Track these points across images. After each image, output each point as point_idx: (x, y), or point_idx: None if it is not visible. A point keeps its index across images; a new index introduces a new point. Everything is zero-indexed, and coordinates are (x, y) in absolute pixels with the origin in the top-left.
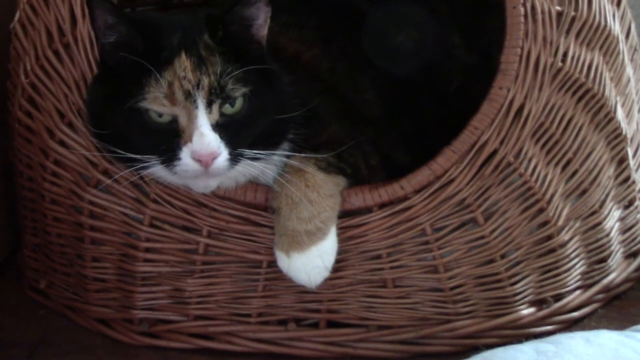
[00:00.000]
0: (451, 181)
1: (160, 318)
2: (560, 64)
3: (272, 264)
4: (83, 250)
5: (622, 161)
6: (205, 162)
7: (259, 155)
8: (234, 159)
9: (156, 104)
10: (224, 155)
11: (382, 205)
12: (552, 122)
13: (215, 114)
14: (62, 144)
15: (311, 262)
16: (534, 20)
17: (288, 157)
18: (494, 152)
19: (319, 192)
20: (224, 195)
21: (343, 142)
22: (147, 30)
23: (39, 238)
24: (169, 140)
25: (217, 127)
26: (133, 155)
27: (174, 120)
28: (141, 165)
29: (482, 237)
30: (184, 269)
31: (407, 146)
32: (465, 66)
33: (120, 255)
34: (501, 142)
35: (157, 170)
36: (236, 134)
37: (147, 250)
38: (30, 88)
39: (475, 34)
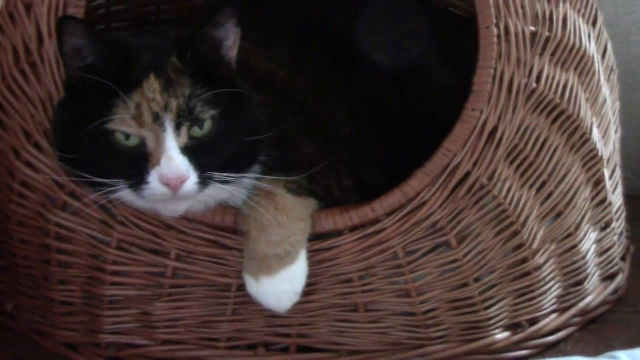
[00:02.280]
0: (423, 204)
1: (127, 342)
2: (534, 84)
3: (241, 287)
4: (49, 272)
5: (598, 182)
6: (173, 185)
7: (228, 178)
8: (203, 182)
9: (123, 125)
10: (192, 178)
11: (353, 228)
12: (526, 144)
13: (184, 137)
14: (29, 164)
15: (280, 287)
16: (507, 41)
17: (259, 179)
18: (467, 174)
19: (289, 215)
20: (192, 218)
21: (315, 163)
22: (116, 52)
23: (6, 260)
24: (136, 163)
25: (186, 150)
26: (100, 180)
27: (142, 143)
28: (108, 189)
29: (455, 261)
30: (152, 293)
31: (381, 167)
32: (443, 85)
33: (87, 278)
34: (474, 164)
35: (125, 194)
36: (205, 156)
37: (115, 273)
38: None
39: (453, 53)
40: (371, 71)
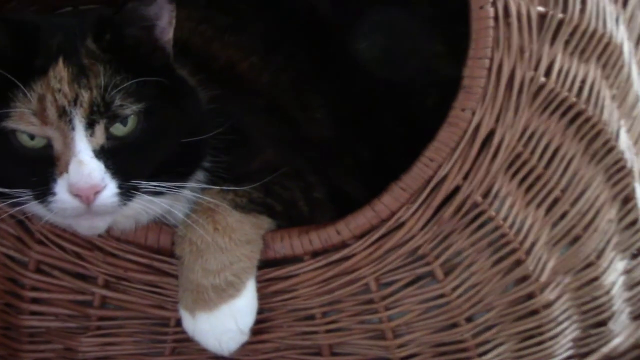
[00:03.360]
0: (400, 226)
1: None
2: (542, 79)
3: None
4: None
5: (627, 201)
6: (85, 197)
7: (160, 189)
8: (126, 193)
9: (23, 122)
10: (110, 188)
11: (315, 254)
12: (532, 153)
13: (100, 137)
14: None
15: (222, 324)
16: (508, 24)
17: (203, 191)
18: (456, 190)
19: (232, 237)
20: (120, 237)
21: (276, 171)
22: (18, 34)
23: None
24: (42, 170)
25: (102, 153)
26: (1, 190)
27: (49, 145)
28: (12, 200)
29: (442, 296)
30: (77, 325)
31: (366, 177)
32: (446, 80)
33: (3, 306)
34: (465, 178)
35: (32, 206)
36: (129, 161)
37: (34, 300)
38: None
39: (465, 42)
40: (359, 63)
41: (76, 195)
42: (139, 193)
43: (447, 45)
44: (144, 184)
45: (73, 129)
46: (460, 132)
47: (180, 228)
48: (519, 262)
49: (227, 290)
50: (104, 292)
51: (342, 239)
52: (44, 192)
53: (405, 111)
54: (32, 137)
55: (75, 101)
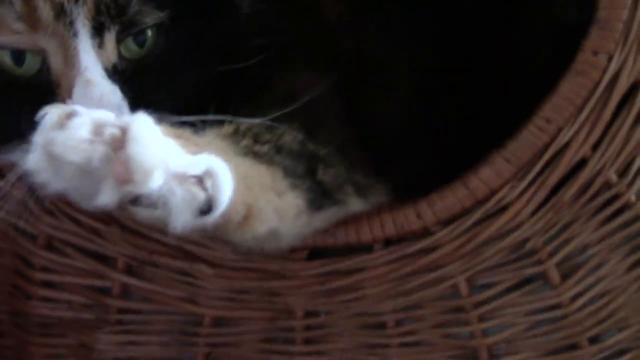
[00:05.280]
0: (503, 209)
1: None
2: None
3: (219, 321)
4: None
5: None
6: None
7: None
8: None
9: (4, 31)
10: None
11: (388, 243)
12: None
13: (111, 52)
14: None
15: None
16: None
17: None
18: (582, 164)
19: None
20: None
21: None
22: None
23: None
24: (38, 105)
25: (117, 75)
26: None
27: (44, 66)
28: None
29: (558, 306)
30: (94, 317)
31: (440, 153)
32: (564, 28)
33: (12, 288)
34: (594, 147)
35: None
36: (149, 89)
37: (45, 284)
38: None
39: None
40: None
41: None
42: None
43: None
44: (165, 118)
45: (75, 35)
46: (590, 83)
47: None
48: None
49: None
50: (125, 278)
51: (424, 225)
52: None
53: (507, 70)
54: (18, 58)
55: None
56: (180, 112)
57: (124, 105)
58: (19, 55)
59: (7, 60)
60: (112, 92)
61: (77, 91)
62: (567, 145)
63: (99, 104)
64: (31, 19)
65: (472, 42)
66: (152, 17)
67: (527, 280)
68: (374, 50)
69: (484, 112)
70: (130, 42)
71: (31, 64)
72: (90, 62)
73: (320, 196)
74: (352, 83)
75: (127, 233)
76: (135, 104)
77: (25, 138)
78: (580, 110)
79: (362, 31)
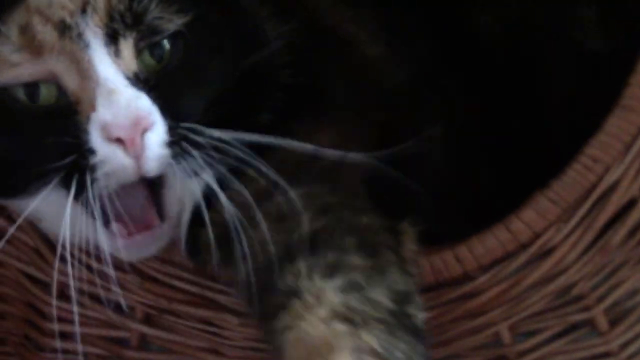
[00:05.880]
0: (548, 253)
1: None
2: None
3: None
4: None
5: None
6: (130, 139)
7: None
8: (179, 142)
9: (4, 67)
10: (159, 128)
11: (425, 289)
12: None
13: (130, 60)
14: None
15: None
16: None
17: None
18: (631, 204)
19: None
20: (164, 256)
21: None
22: None
23: None
24: (64, 133)
25: (139, 82)
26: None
27: (60, 92)
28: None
29: (607, 355)
30: None
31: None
32: (590, 58)
33: (21, 338)
34: None
35: (51, 199)
36: (175, 94)
37: (58, 335)
38: None
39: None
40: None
41: (116, 138)
42: (193, 148)
43: (599, 12)
44: (200, 130)
45: (86, 46)
46: (639, 119)
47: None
48: None
49: None
50: (144, 328)
51: (464, 270)
52: (81, 157)
53: (526, 102)
54: (33, 93)
55: (83, 9)
56: (216, 120)
57: (155, 111)
58: (33, 91)
59: (22, 96)
60: (138, 95)
61: (101, 102)
62: (615, 184)
63: (126, 109)
64: (32, 47)
65: (501, 81)
66: (173, 24)
67: (573, 327)
68: (414, 90)
69: (511, 151)
70: (147, 57)
71: (46, 95)
72: (110, 72)
73: None
74: (391, 123)
75: (145, 279)
76: (165, 110)
77: (49, 175)
78: (628, 147)
79: (401, 71)
